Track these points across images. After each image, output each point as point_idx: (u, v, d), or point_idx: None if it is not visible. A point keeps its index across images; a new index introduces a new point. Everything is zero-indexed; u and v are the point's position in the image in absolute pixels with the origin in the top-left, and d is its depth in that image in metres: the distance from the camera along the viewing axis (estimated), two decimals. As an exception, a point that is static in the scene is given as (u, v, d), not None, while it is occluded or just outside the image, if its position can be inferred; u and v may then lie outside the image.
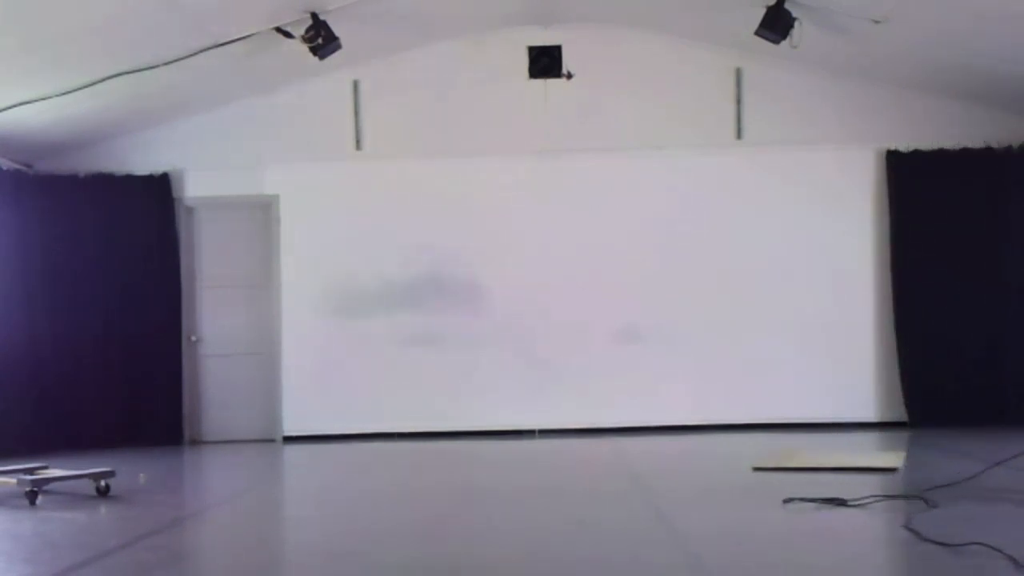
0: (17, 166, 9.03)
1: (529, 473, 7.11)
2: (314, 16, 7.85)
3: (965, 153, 9.14)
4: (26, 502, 5.84)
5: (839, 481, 6.01)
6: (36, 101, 7.87)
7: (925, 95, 9.23)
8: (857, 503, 5.08)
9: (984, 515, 4.83)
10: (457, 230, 9.40)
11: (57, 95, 7.85)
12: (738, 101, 9.39)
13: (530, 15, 9.12)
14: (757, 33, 8.03)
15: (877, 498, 5.19)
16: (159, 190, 9.38)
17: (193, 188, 9.50)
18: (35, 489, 5.91)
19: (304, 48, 7.99)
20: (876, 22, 7.79)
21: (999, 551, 3.78)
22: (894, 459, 6.69)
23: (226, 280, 9.57)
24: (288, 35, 7.95)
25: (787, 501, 5.20)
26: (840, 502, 5.12)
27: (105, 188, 9.30)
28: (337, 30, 7.96)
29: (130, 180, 9.37)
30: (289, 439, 9.35)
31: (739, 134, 9.39)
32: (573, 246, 9.35)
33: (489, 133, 9.40)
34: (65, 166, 9.33)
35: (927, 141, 9.20)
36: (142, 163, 9.44)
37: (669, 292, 9.32)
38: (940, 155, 9.16)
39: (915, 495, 5.21)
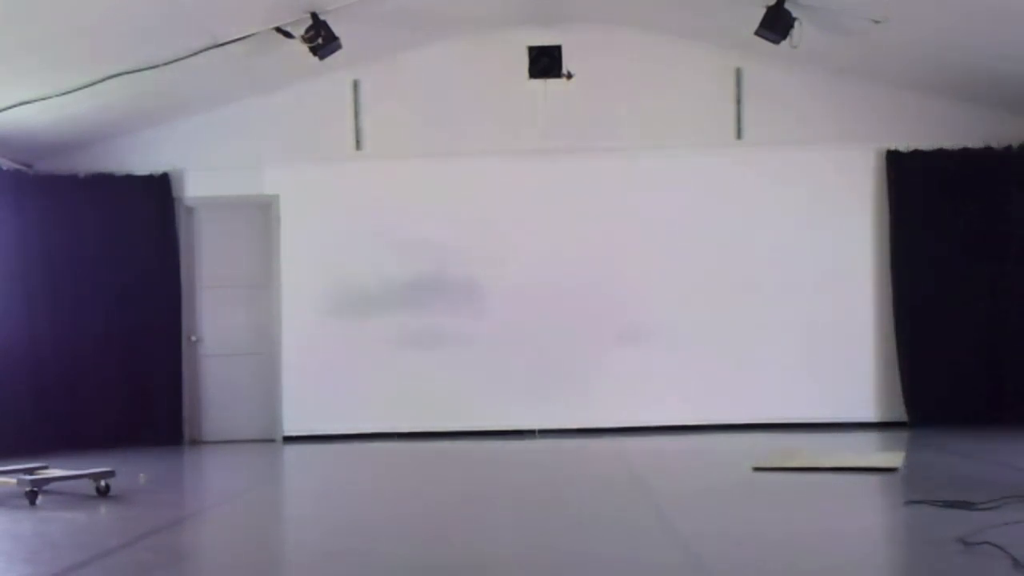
0: (17, 166, 9.03)
1: (529, 473, 7.11)
2: (314, 16, 7.85)
3: (965, 153, 9.14)
4: (26, 502, 5.84)
5: (840, 481, 6.02)
6: (36, 101, 7.87)
7: (925, 95, 9.23)
8: (986, 506, 4.77)
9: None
10: (457, 230, 9.39)
11: (57, 95, 7.85)
12: (738, 101, 9.39)
13: (530, 15, 9.12)
14: (757, 33, 8.02)
15: (1007, 499, 4.87)
16: (159, 190, 9.38)
17: (193, 188, 9.50)
18: (35, 489, 5.90)
19: (304, 48, 7.99)
20: (876, 22, 7.79)
21: (1003, 549, 3.78)
22: (894, 459, 6.68)
23: (226, 280, 9.57)
24: (288, 35, 7.95)
25: (908, 503, 4.98)
26: (965, 504, 4.83)
27: (105, 188, 9.30)
28: (337, 30, 7.96)
29: (130, 180, 9.37)
30: (289, 439, 9.35)
31: (739, 134, 9.39)
32: (573, 246, 9.35)
33: (489, 133, 9.40)
34: (65, 166, 9.33)
35: (927, 141, 9.20)
36: (142, 163, 9.44)
37: (669, 292, 9.32)
38: (940, 155, 9.16)
39: None
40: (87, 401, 9.09)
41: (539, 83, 9.32)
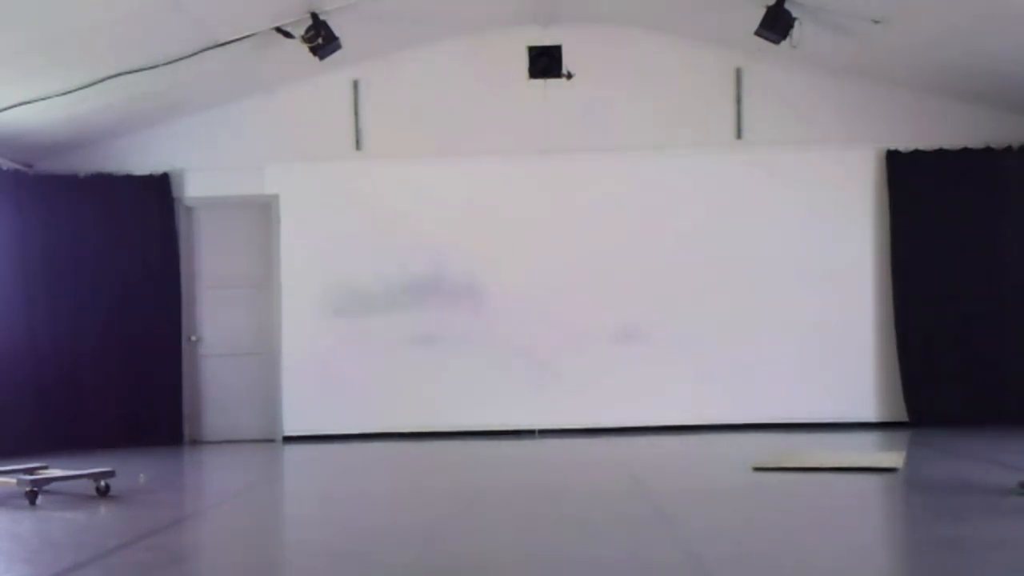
0: (17, 166, 9.03)
1: (529, 473, 7.11)
2: (314, 16, 7.85)
3: (965, 153, 9.14)
4: (26, 502, 5.84)
5: (840, 481, 6.02)
6: (36, 101, 7.87)
7: (925, 95, 9.23)
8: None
9: None
10: (457, 230, 9.39)
11: (57, 95, 7.85)
12: (738, 101, 9.39)
13: (530, 15, 9.12)
14: (757, 33, 8.03)
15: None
16: (159, 190, 9.38)
17: (193, 188, 9.50)
18: (35, 489, 5.91)
19: (304, 48, 7.99)
20: (876, 22, 7.79)
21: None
22: (894, 459, 6.68)
23: (226, 280, 9.57)
24: (288, 35, 7.96)
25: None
26: None
27: (105, 188, 9.30)
28: (337, 30, 7.96)
29: (130, 180, 9.37)
30: (289, 439, 9.35)
31: (739, 134, 9.39)
32: (573, 246, 9.35)
33: (489, 133, 9.40)
34: (65, 166, 9.33)
35: (927, 141, 9.20)
36: (142, 163, 9.44)
37: (669, 292, 9.32)
38: (940, 155, 9.16)
39: None
40: (87, 401, 9.09)
41: (539, 83, 9.34)
